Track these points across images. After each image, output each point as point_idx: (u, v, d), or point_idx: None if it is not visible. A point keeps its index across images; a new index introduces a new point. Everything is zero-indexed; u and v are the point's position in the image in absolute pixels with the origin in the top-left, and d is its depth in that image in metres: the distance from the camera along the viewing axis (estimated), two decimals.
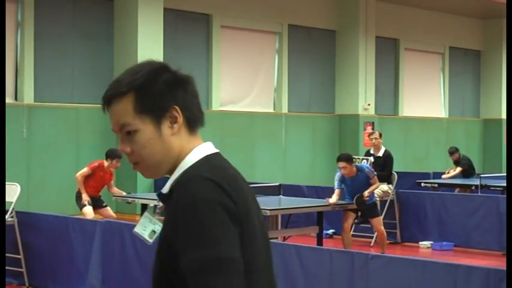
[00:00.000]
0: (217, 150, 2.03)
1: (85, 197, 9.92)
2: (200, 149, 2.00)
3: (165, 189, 1.97)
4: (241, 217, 1.88)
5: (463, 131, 20.79)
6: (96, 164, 10.15)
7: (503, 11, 17.72)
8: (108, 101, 1.98)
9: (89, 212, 9.85)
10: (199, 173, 1.89)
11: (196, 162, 1.96)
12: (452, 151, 14.60)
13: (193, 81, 2.04)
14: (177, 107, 1.97)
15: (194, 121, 2.01)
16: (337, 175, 9.39)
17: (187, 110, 1.99)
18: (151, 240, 2.07)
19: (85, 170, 10.06)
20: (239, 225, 1.87)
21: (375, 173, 9.58)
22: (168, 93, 1.97)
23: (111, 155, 10.08)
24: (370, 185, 9.34)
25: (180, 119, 1.97)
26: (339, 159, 9.36)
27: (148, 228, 2.07)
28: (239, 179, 1.96)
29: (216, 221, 1.82)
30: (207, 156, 1.98)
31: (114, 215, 10.31)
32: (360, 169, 9.41)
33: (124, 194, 10.38)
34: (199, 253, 1.80)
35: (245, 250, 1.87)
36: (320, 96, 17.57)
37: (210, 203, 1.83)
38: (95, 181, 10.09)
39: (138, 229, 2.07)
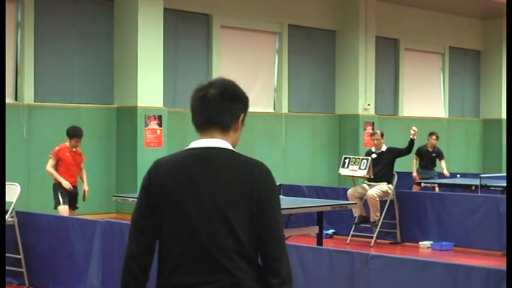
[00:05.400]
0: (194, 146, 2.70)
1: (65, 184, 9.63)
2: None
3: None
4: (152, 191, 2.67)
5: (463, 131, 20.78)
6: (57, 148, 9.84)
7: (503, 11, 17.73)
8: None
9: (63, 210, 9.64)
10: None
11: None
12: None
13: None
14: None
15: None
16: None
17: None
18: None
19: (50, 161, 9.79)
20: (148, 197, 2.68)
21: None
22: None
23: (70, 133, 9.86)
24: None
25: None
26: None
27: None
28: (172, 165, 2.67)
29: (139, 192, 2.73)
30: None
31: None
32: None
33: (87, 189, 9.98)
34: None
35: (156, 215, 2.66)
36: (320, 96, 17.56)
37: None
38: (64, 166, 9.78)
39: None
